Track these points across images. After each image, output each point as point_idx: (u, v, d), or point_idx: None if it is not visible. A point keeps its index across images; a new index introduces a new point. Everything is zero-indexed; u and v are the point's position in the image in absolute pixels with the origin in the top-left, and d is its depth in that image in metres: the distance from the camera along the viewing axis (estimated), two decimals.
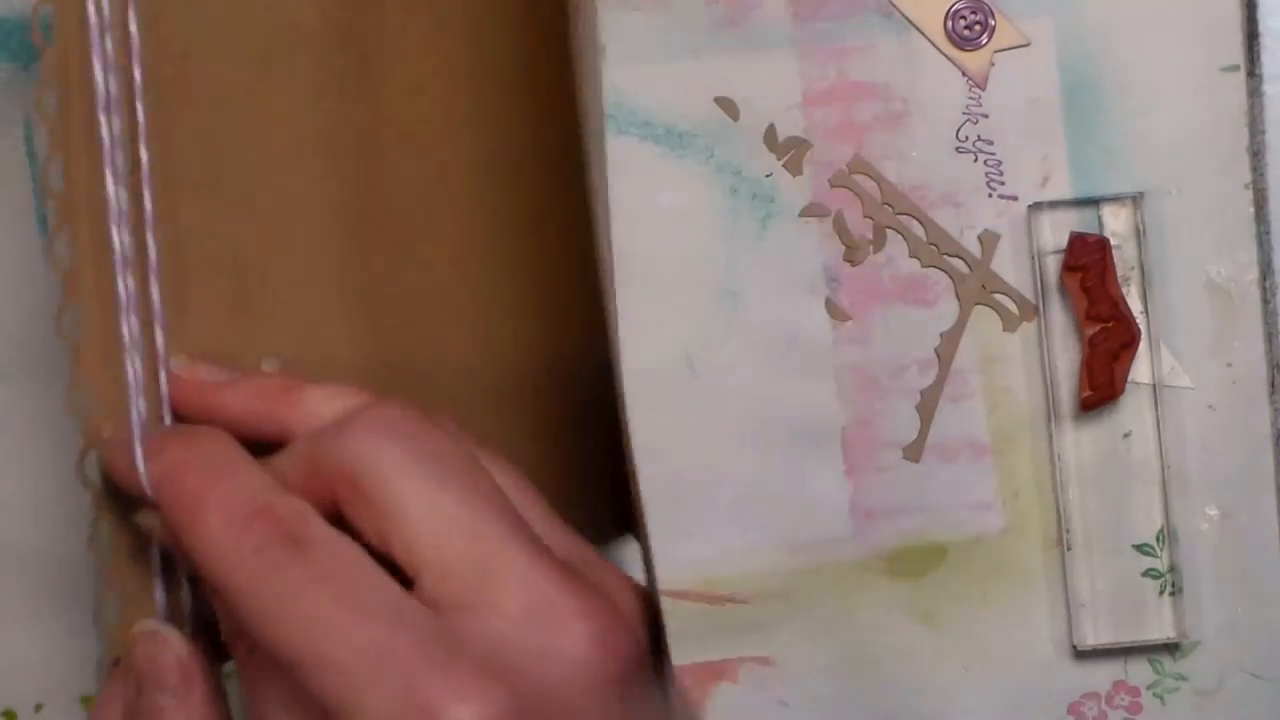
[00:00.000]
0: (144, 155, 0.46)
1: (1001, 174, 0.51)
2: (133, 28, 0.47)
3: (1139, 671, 0.51)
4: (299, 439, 0.40)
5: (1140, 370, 0.50)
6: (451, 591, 0.38)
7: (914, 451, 0.51)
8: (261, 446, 0.42)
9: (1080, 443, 0.51)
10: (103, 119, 0.46)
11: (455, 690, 0.35)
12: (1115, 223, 0.51)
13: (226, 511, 0.38)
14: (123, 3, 0.48)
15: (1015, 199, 0.51)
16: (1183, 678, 0.51)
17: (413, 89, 0.53)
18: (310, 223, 0.50)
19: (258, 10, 0.49)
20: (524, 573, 0.38)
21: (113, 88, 0.47)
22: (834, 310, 0.51)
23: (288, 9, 0.50)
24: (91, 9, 0.47)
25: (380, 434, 0.39)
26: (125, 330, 0.43)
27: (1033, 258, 0.50)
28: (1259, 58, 0.50)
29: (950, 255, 0.51)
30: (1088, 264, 0.49)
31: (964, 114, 0.51)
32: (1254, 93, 0.51)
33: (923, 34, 0.51)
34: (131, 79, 0.48)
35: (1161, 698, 0.51)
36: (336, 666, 0.36)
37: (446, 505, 0.38)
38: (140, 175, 0.45)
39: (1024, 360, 0.51)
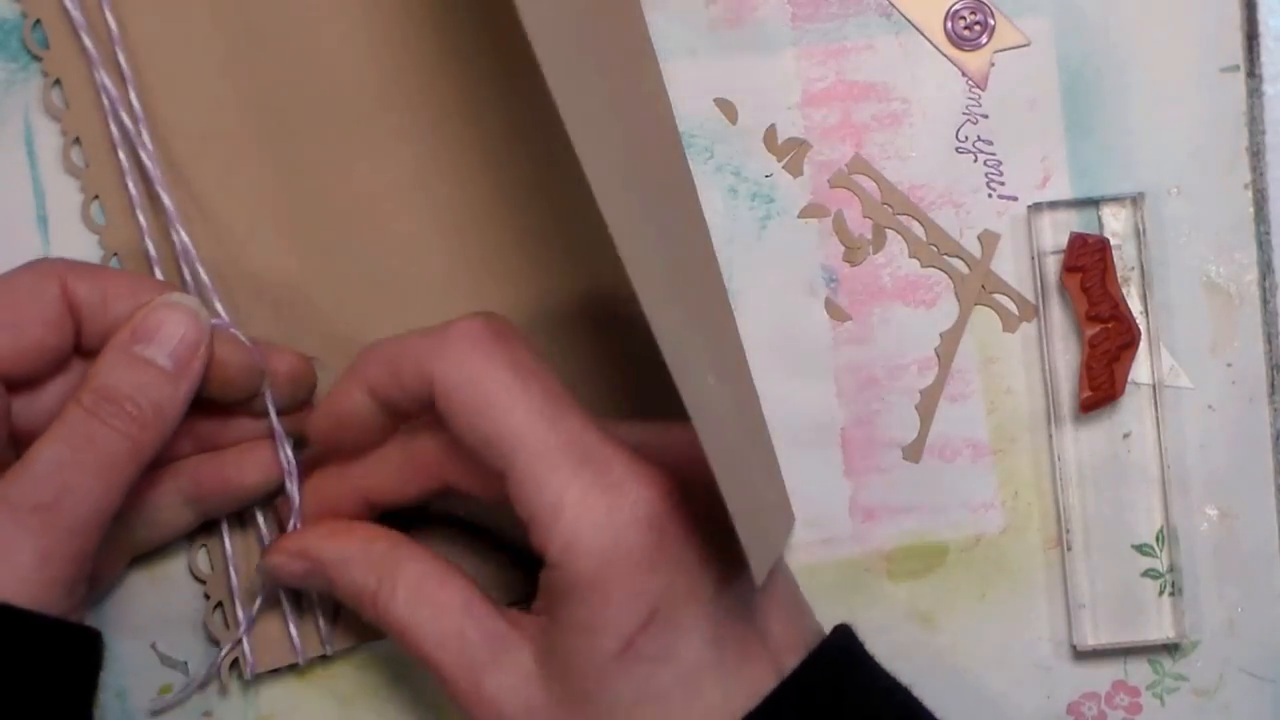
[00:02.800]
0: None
1: (1001, 174, 0.51)
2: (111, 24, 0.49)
3: (1138, 671, 0.51)
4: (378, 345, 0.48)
5: (1140, 370, 0.50)
6: (540, 467, 0.44)
7: (914, 451, 0.51)
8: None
9: (1080, 443, 0.51)
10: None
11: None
12: (1115, 223, 0.51)
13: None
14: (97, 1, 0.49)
15: (1015, 199, 0.51)
16: (1182, 678, 0.51)
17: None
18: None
19: None
20: (594, 450, 0.44)
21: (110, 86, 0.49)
22: (834, 310, 0.51)
23: None
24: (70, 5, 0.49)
25: (467, 347, 0.45)
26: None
27: (1033, 258, 0.50)
28: (1259, 58, 0.50)
29: (950, 255, 0.51)
30: (1088, 264, 0.49)
31: (964, 114, 0.51)
32: (1254, 93, 0.51)
33: (922, 34, 0.51)
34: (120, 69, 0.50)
35: (1161, 698, 0.51)
36: (435, 661, 0.45)
37: (527, 399, 0.45)
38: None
39: (1024, 360, 0.51)
